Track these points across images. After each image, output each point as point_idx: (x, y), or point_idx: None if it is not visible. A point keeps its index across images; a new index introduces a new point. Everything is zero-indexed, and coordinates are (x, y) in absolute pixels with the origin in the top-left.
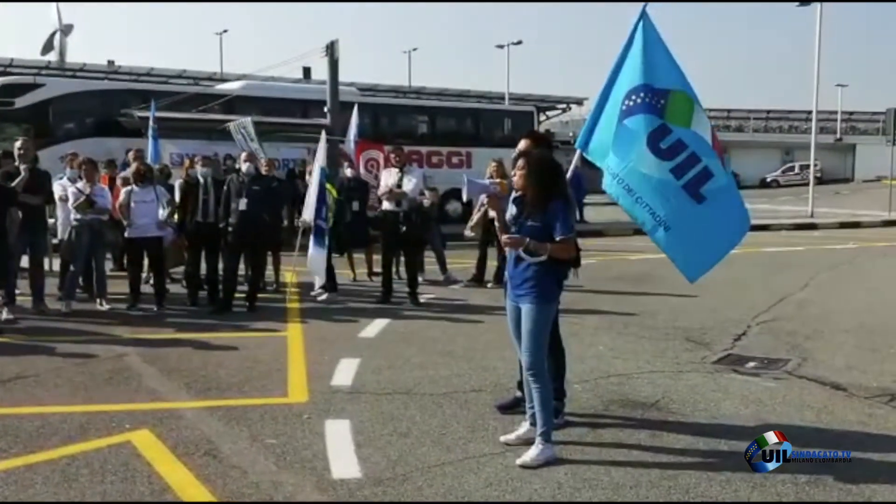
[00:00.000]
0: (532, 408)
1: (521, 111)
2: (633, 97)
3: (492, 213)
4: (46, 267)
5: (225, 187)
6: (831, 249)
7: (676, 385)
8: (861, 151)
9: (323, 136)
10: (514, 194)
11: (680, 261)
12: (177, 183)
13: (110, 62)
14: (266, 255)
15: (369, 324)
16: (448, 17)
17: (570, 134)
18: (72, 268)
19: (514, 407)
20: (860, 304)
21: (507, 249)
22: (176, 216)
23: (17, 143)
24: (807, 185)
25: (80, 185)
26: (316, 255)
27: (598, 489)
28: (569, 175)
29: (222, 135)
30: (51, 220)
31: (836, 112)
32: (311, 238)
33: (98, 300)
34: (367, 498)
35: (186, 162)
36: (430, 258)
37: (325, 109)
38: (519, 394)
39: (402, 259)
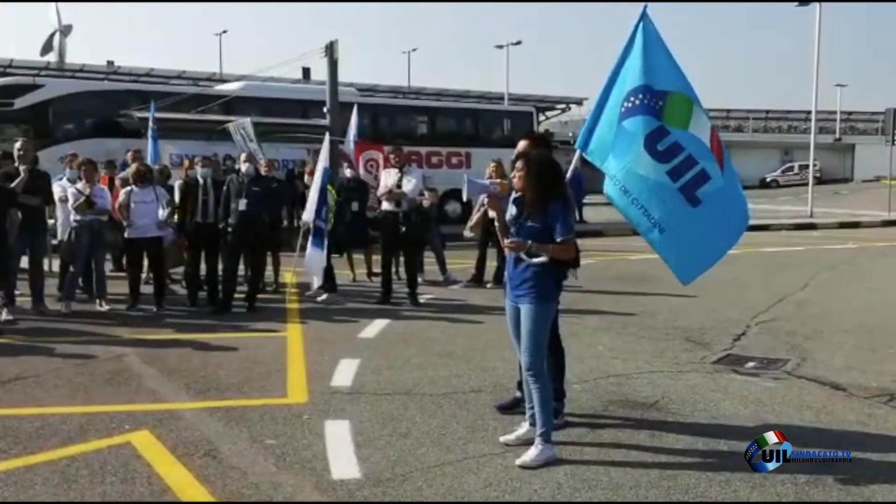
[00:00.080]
0: (531, 408)
1: (521, 111)
2: (633, 98)
3: (492, 214)
4: (46, 268)
5: (224, 188)
6: (831, 249)
7: (676, 385)
8: (860, 151)
9: (327, 137)
10: (513, 195)
11: (673, 263)
12: (176, 183)
13: (110, 63)
14: (265, 256)
15: (369, 324)
16: (447, 17)
17: (570, 134)
18: (71, 268)
19: (513, 407)
20: (860, 304)
21: (506, 250)
22: (175, 217)
23: (17, 144)
24: (806, 184)
25: (79, 185)
26: (313, 255)
27: (598, 489)
28: (568, 175)
29: (222, 135)
30: (50, 221)
31: (835, 112)
32: (310, 238)
33: (98, 301)
34: (367, 498)
35: (186, 162)
36: (429, 258)
37: (325, 110)
38: (518, 394)
39: (402, 259)
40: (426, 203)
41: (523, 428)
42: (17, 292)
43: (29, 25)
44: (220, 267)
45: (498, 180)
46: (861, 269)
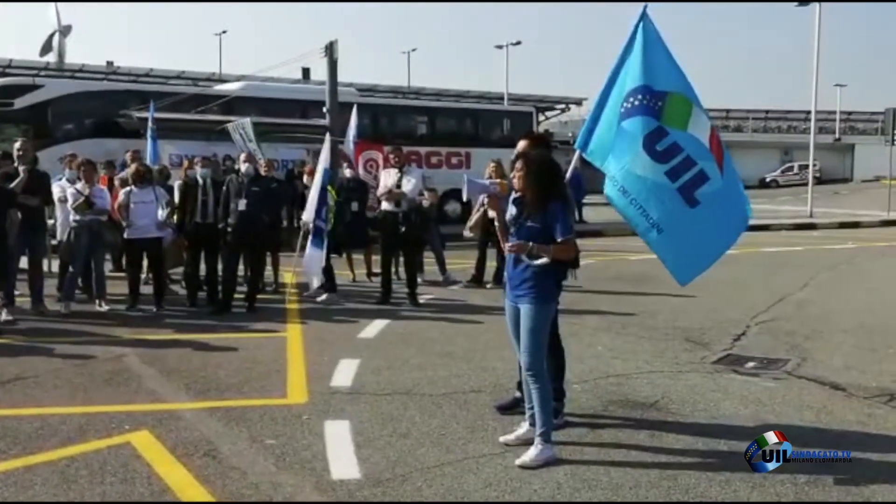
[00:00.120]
0: (531, 408)
1: (520, 111)
2: (632, 99)
3: (491, 214)
4: (45, 268)
5: (224, 188)
6: (830, 249)
7: (676, 385)
8: (860, 151)
9: (328, 138)
10: (513, 195)
11: (671, 263)
12: (176, 184)
13: (109, 63)
14: (265, 256)
15: (369, 324)
16: (447, 17)
17: (570, 134)
18: (71, 269)
19: (513, 407)
20: (859, 304)
21: (506, 251)
22: (175, 217)
23: (17, 144)
24: (806, 185)
25: (78, 186)
26: (312, 255)
27: (598, 489)
28: (568, 176)
29: (221, 135)
30: (50, 222)
31: (834, 112)
32: (310, 238)
33: (97, 301)
34: (367, 498)
35: (185, 163)
36: (429, 259)
37: (325, 110)
38: (518, 394)
39: (402, 259)
40: (426, 203)
41: (523, 428)
42: (16, 292)
43: (28, 25)
44: (219, 267)
45: (498, 180)
46: (861, 268)
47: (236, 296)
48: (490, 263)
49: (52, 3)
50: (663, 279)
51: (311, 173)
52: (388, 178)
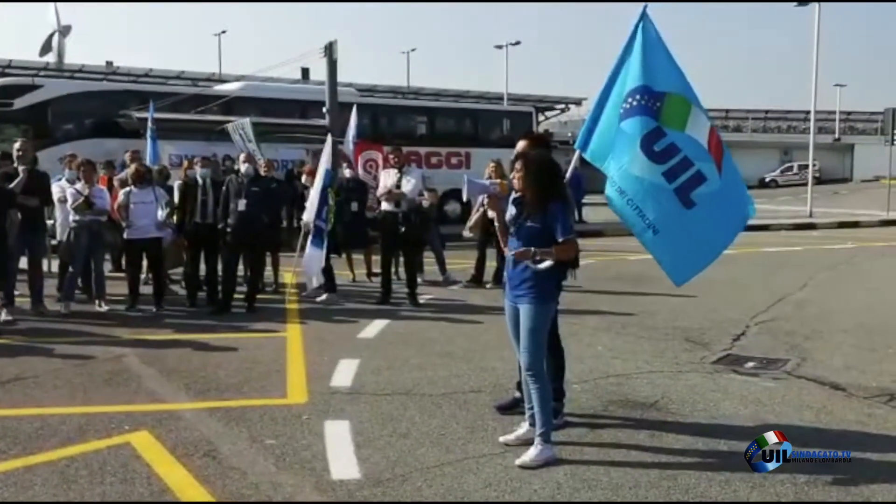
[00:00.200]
0: (531, 408)
1: (520, 112)
2: (631, 99)
3: (491, 214)
4: (45, 268)
5: (224, 188)
6: (830, 249)
7: (675, 385)
8: (859, 151)
9: (329, 138)
10: (513, 195)
11: (667, 264)
12: (176, 184)
13: (109, 63)
14: (265, 256)
15: (368, 324)
16: (447, 17)
17: (569, 134)
18: (70, 269)
19: (513, 407)
20: (859, 304)
21: (506, 251)
22: (175, 217)
23: (16, 145)
24: (805, 184)
25: (78, 186)
26: (312, 255)
27: (598, 489)
28: (568, 176)
29: (221, 136)
30: (49, 222)
31: (834, 112)
32: (310, 238)
33: (97, 301)
34: (367, 498)
35: (185, 163)
36: (429, 259)
37: (324, 110)
38: (518, 394)
39: (402, 260)
40: (425, 203)
41: (523, 428)
42: (16, 293)
43: (28, 26)
44: (219, 267)
45: (497, 180)
46: (860, 268)
47: (236, 296)
48: (490, 263)
49: (52, 4)
50: (663, 279)
51: (311, 173)
52: (387, 178)
